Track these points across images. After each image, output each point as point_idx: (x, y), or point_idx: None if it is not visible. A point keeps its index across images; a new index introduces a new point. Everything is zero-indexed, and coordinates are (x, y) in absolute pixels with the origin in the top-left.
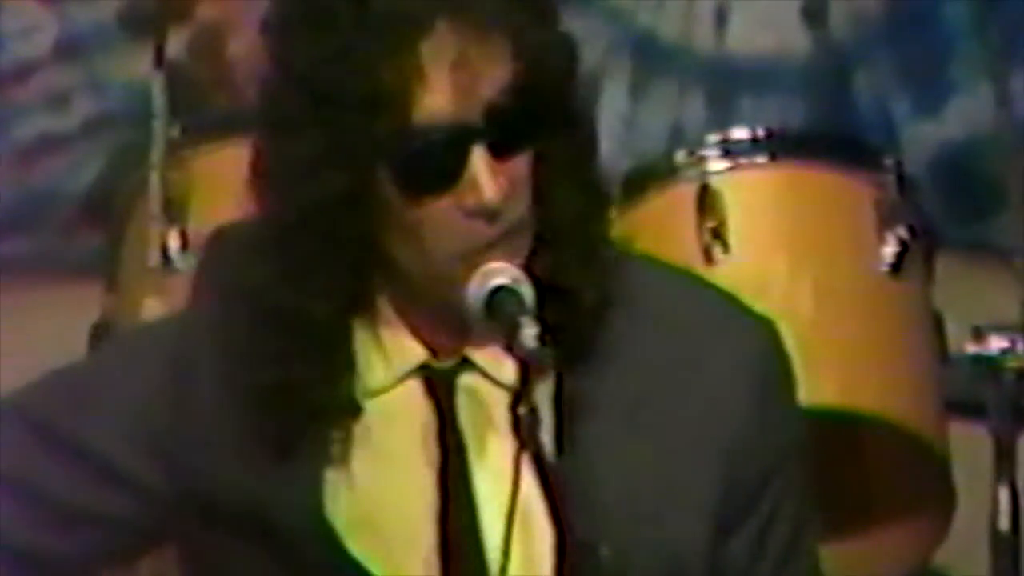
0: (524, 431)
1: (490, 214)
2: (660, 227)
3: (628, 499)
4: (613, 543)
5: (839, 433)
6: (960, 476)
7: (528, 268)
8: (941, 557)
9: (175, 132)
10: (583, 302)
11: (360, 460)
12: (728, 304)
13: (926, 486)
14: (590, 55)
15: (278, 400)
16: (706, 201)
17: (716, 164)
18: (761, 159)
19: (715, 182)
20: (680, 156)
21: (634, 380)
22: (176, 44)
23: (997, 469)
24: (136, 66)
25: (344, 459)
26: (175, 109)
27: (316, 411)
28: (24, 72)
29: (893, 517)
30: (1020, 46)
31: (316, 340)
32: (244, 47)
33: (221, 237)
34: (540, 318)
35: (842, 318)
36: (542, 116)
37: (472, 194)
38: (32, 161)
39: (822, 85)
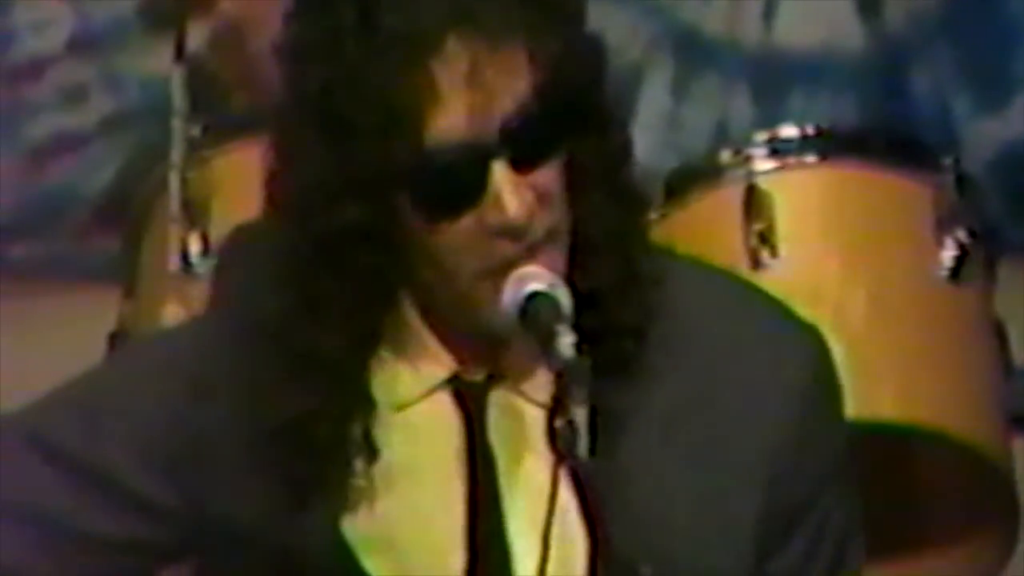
0: (561, 444)
1: (515, 232)
2: (704, 231)
3: (667, 517)
4: (652, 562)
5: (894, 449)
6: None
7: (568, 279)
8: None
9: (196, 130)
10: (623, 317)
11: (384, 479)
12: (774, 312)
13: (988, 504)
14: (630, 50)
15: (290, 435)
16: (753, 203)
17: (763, 164)
18: (811, 158)
19: (762, 183)
20: (725, 155)
21: (674, 394)
22: (197, 38)
23: None
24: (155, 61)
25: (363, 483)
26: (196, 106)
27: (328, 446)
28: (38, 67)
29: (952, 539)
30: None
31: (328, 375)
32: (268, 42)
33: (240, 239)
34: (577, 326)
35: (898, 327)
36: (566, 124)
37: (495, 212)
38: (46, 161)
39: (876, 80)
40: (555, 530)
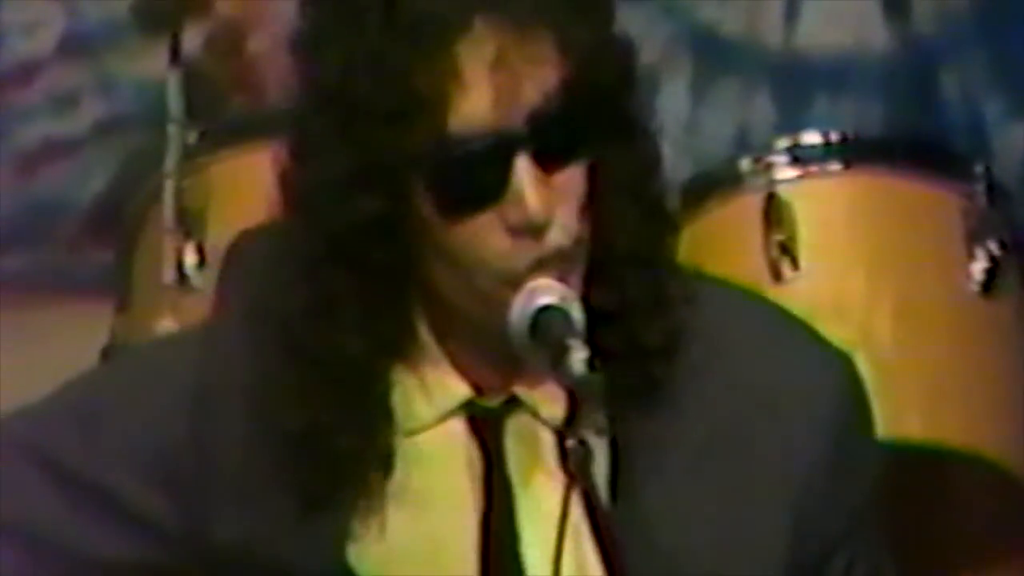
0: (573, 465)
1: (535, 230)
2: (723, 241)
3: (688, 548)
4: None
5: (924, 470)
6: None
7: (585, 298)
8: None
9: (192, 136)
10: (649, 338)
11: (394, 505)
12: (805, 339)
13: (1022, 528)
14: (647, 52)
15: (306, 447)
16: (774, 213)
17: (785, 172)
18: (835, 166)
19: (784, 192)
20: (745, 163)
21: (701, 425)
22: (193, 40)
23: None
24: (150, 65)
25: (375, 505)
26: (192, 111)
27: (347, 460)
28: (27, 71)
29: (985, 563)
30: None
31: (349, 381)
32: (267, 44)
33: (246, 243)
34: (593, 344)
35: (927, 342)
36: (593, 123)
37: (516, 208)
38: (35, 168)
39: (904, 84)
40: (571, 558)
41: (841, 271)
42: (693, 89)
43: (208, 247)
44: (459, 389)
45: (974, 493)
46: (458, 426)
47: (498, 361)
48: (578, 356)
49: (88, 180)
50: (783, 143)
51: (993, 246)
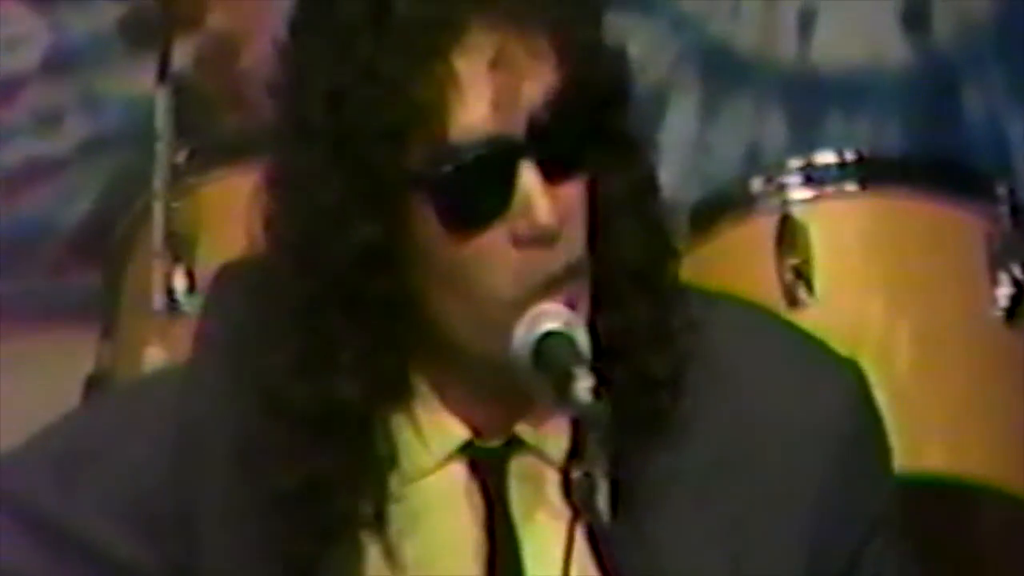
0: (577, 498)
1: (545, 238)
2: (734, 266)
3: None
4: None
5: (945, 504)
6: None
7: (591, 324)
8: None
9: (181, 156)
10: (656, 368)
11: (396, 555)
12: (810, 355)
13: None
14: (654, 68)
15: (297, 507)
16: (787, 236)
17: (799, 193)
18: (851, 187)
19: (798, 214)
20: (757, 183)
21: (709, 453)
22: (182, 56)
23: None
24: (137, 81)
25: (372, 562)
26: (181, 130)
27: (342, 520)
28: (10, 88)
29: None
30: None
31: (343, 431)
32: (258, 59)
33: (229, 278)
34: (600, 374)
35: (948, 371)
36: (593, 135)
37: (524, 218)
38: (18, 189)
39: (923, 101)
40: None
41: (858, 297)
42: (703, 107)
43: (198, 272)
44: (457, 431)
45: (998, 528)
46: (459, 470)
47: (498, 400)
48: (583, 384)
49: (73, 201)
50: (797, 163)
51: (1017, 270)
